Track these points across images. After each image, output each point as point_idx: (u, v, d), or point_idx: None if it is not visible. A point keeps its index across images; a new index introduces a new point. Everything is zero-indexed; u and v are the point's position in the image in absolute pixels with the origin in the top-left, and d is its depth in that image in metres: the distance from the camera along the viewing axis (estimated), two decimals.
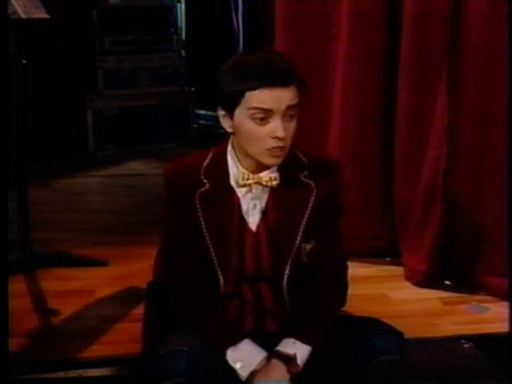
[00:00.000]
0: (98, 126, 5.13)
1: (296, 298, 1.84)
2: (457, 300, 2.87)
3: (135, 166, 5.00)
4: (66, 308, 2.75)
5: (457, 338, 2.54)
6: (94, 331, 2.59)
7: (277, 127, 1.70)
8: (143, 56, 5.27)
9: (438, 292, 2.93)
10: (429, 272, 2.96)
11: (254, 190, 1.80)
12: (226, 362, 1.73)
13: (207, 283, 1.83)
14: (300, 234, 1.80)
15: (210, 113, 5.37)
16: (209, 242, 1.80)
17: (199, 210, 1.79)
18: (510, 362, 2.16)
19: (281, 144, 1.72)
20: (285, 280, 1.81)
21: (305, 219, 1.81)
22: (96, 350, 2.47)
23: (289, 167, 1.81)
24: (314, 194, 1.81)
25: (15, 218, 3.03)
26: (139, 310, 2.74)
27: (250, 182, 1.78)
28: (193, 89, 5.47)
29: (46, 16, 3.03)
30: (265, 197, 1.81)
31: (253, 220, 1.82)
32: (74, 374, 2.33)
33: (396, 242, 3.13)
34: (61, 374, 2.32)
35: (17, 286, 2.83)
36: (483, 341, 2.51)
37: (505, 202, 2.69)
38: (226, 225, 1.80)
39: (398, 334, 1.77)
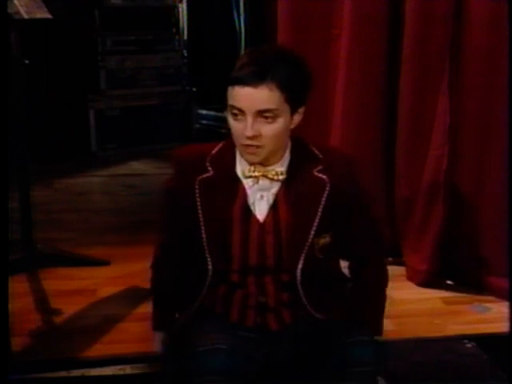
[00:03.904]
0: (100, 126, 5.13)
1: (312, 294, 1.84)
2: (459, 300, 2.87)
3: (137, 166, 5.00)
4: (69, 307, 2.76)
5: (459, 338, 2.55)
6: (96, 330, 2.60)
7: (246, 126, 1.70)
8: (145, 56, 5.28)
9: (439, 292, 2.93)
10: (430, 272, 2.97)
11: (260, 182, 1.80)
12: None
13: (196, 267, 1.85)
14: (314, 228, 1.80)
15: (211, 113, 5.37)
16: (202, 227, 1.82)
17: (197, 195, 1.82)
18: (511, 362, 2.16)
19: (252, 142, 1.72)
20: (298, 274, 1.81)
21: (319, 213, 1.80)
22: (98, 350, 2.47)
23: (302, 161, 1.82)
24: (328, 189, 1.80)
25: (18, 217, 3.03)
26: (141, 310, 2.76)
27: (256, 174, 1.79)
28: (194, 89, 5.47)
29: (49, 16, 3.03)
30: (273, 189, 1.81)
31: (259, 211, 1.82)
32: (76, 373, 2.33)
33: (398, 242, 3.14)
34: (63, 374, 2.32)
35: (19, 286, 2.83)
36: (485, 341, 2.52)
37: (506, 202, 2.69)
38: (224, 213, 1.80)
39: (374, 345, 1.76)
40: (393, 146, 3.06)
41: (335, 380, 1.73)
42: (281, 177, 1.79)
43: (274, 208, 1.81)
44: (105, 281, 3.04)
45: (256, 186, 1.81)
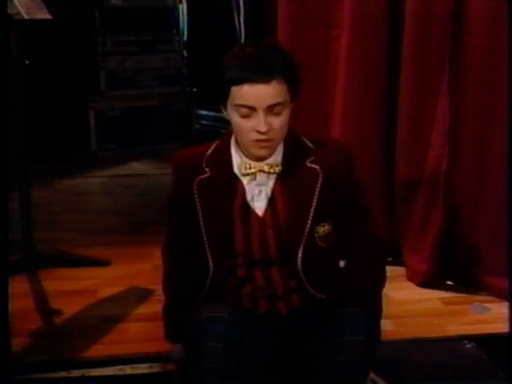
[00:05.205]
0: (100, 127, 5.14)
1: (317, 281, 1.88)
2: (458, 300, 2.87)
3: (137, 167, 5.01)
4: (69, 308, 2.76)
5: (459, 339, 2.54)
6: (97, 331, 2.60)
7: (259, 122, 1.73)
8: (145, 56, 5.28)
9: (439, 292, 2.93)
10: (430, 272, 2.97)
11: (258, 178, 1.84)
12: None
13: (199, 267, 1.88)
14: (310, 217, 1.83)
15: (211, 113, 5.37)
16: (202, 227, 1.85)
17: (196, 197, 1.85)
18: (511, 362, 2.16)
19: (264, 137, 1.76)
20: (299, 264, 1.84)
21: (314, 203, 1.83)
22: (98, 350, 2.47)
23: (294, 153, 1.85)
24: (321, 178, 1.84)
25: (18, 218, 3.03)
26: (141, 310, 2.76)
27: (253, 170, 1.82)
28: (194, 89, 5.47)
29: (49, 17, 3.04)
30: (270, 183, 1.84)
31: (258, 206, 1.85)
32: (76, 373, 2.33)
33: (397, 242, 3.14)
34: (63, 374, 2.32)
35: (19, 286, 2.84)
36: (485, 341, 2.51)
37: (506, 202, 2.69)
38: (224, 212, 1.84)
39: (366, 316, 1.81)
40: (393, 146, 3.06)
41: (330, 349, 1.77)
42: (277, 169, 1.83)
43: (271, 202, 1.84)
44: (105, 281, 3.04)
45: (254, 181, 1.84)
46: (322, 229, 1.85)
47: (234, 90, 1.73)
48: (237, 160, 1.85)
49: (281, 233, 1.84)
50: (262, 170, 1.82)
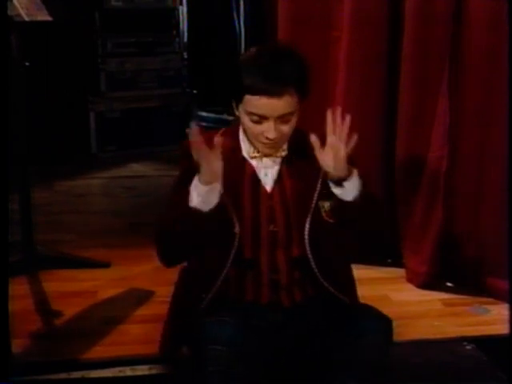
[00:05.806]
0: (100, 128, 5.14)
1: (325, 268, 1.92)
2: (458, 302, 2.87)
3: (137, 168, 5.01)
4: (69, 309, 2.76)
5: (459, 340, 2.54)
6: (97, 332, 2.59)
7: (269, 129, 1.84)
8: (145, 58, 5.28)
9: (439, 294, 2.93)
10: (430, 274, 2.96)
11: (264, 160, 1.94)
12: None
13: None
14: (317, 190, 1.92)
15: (211, 115, 5.38)
16: (224, 198, 1.86)
17: None
18: (511, 363, 2.16)
19: (272, 142, 1.87)
20: (306, 239, 1.90)
21: (319, 178, 1.92)
22: (98, 352, 2.47)
23: (299, 142, 1.95)
24: None
25: (18, 219, 3.03)
26: (141, 312, 2.76)
27: (260, 154, 1.93)
28: (195, 91, 5.47)
29: (49, 18, 3.03)
30: (276, 167, 1.95)
31: (266, 184, 1.95)
32: (76, 375, 2.33)
33: (397, 243, 3.13)
34: (63, 376, 2.32)
35: (19, 288, 2.83)
36: (485, 342, 2.51)
37: (506, 203, 2.69)
38: (237, 187, 1.92)
39: (386, 319, 1.86)
40: (393, 148, 3.06)
41: (350, 351, 1.80)
42: (283, 153, 1.94)
43: (279, 182, 1.95)
44: (105, 283, 3.04)
45: (260, 164, 1.94)
46: (328, 203, 1.91)
47: (248, 98, 1.83)
48: (244, 143, 1.96)
49: (288, 209, 1.92)
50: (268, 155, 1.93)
